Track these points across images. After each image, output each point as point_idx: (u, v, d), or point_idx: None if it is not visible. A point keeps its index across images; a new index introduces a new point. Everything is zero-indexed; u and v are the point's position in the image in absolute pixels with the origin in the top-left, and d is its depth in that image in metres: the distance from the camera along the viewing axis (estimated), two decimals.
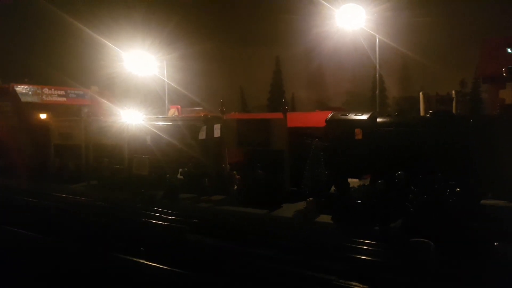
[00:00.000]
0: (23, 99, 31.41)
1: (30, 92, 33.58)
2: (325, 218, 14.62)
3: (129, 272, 11.42)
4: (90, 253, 12.69)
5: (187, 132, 20.74)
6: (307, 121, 19.14)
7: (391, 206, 13.08)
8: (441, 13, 40.44)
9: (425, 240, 10.87)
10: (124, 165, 21.71)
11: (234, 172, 18.96)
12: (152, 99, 42.02)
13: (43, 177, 24.89)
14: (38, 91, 33.22)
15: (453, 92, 26.80)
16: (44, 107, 30.85)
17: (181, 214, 16.30)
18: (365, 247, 11.84)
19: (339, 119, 17.28)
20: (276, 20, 46.43)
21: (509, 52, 13.67)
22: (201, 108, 42.47)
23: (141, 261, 11.66)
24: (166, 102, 36.82)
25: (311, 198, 15.63)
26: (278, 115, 18.39)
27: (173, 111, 36.33)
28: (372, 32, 26.58)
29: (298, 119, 19.35)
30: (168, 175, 19.42)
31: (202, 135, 20.63)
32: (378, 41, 26.64)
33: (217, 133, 21.04)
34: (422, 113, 24.75)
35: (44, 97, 33.63)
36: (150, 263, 11.42)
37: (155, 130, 21.82)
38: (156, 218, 15.96)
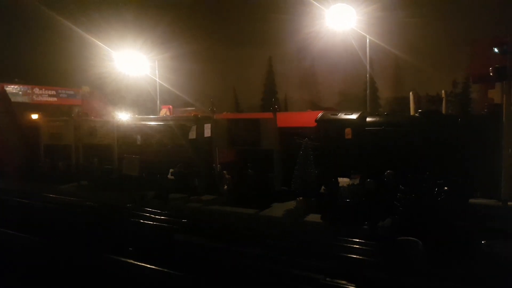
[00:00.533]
0: (13, 99, 31.21)
1: (20, 92, 33.40)
2: (315, 218, 14.71)
3: (117, 272, 11.34)
4: (78, 253, 12.59)
5: (178, 132, 20.67)
6: (298, 121, 19.16)
7: (380, 205, 13.14)
8: (433, 14, 40.68)
9: (413, 238, 10.95)
10: (114, 166, 21.60)
11: (225, 171, 18.92)
12: (144, 99, 41.89)
13: (33, 177, 24.66)
14: (28, 91, 33.06)
15: (443, 92, 26.94)
16: (34, 107, 30.67)
17: (171, 214, 16.26)
18: (353, 245, 11.87)
19: (329, 119, 17.29)
20: (269, 20, 46.38)
21: (495, 52, 13.71)
22: (194, 108, 42.26)
23: (129, 261, 11.58)
24: (158, 102, 36.67)
25: (301, 198, 15.67)
26: (269, 115, 18.40)
27: (164, 111, 36.18)
28: (363, 33, 26.66)
29: (289, 119, 19.38)
30: (158, 175, 19.34)
31: (192, 135, 20.57)
32: (369, 41, 26.72)
33: (207, 133, 20.97)
34: (412, 113, 24.82)
35: (34, 97, 33.47)
36: (138, 263, 11.33)
37: (145, 130, 21.74)
38: (145, 218, 15.88)
